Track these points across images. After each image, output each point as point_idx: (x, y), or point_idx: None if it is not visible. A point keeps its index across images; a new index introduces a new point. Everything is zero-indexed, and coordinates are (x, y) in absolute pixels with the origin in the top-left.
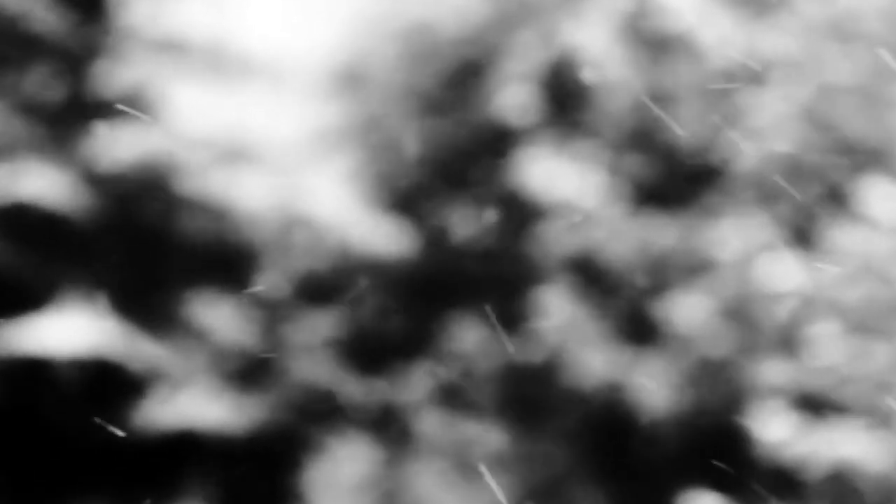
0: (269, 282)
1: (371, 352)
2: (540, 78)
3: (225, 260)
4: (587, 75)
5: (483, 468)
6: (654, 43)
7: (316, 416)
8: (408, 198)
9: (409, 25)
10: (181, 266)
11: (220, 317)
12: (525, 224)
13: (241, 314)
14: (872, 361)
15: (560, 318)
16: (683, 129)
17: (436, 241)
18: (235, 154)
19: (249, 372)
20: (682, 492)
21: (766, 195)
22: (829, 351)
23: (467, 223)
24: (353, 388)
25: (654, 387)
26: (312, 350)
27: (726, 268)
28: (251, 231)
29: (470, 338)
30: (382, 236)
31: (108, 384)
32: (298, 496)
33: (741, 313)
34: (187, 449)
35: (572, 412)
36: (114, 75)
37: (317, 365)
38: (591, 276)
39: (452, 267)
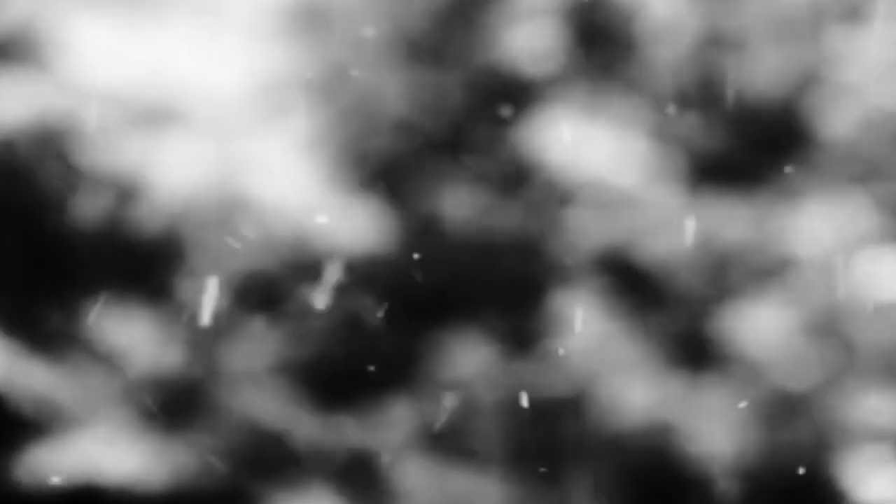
0: (201, 286)
1: (336, 380)
2: (564, 12)
3: (142, 256)
4: (628, 11)
5: None
6: None
7: (262, 464)
8: (386, 174)
9: None
10: (83, 265)
11: (134, 333)
12: (543, 209)
13: (162, 330)
14: None
15: (588, 335)
16: (754, 83)
17: (423, 231)
18: (156, 114)
19: (174, 406)
20: None
21: (864, 172)
22: None
23: (465, 208)
24: (312, 428)
25: (713, 428)
26: (258, 377)
27: (811, 269)
28: (177, 217)
29: (468, 361)
30: (352, 225)
31: None
32: None
33: (831, 330)
34: None
35: (604, 461)
36: None
37: (264, 397)
38: (630, 279)
39: (445, 266)
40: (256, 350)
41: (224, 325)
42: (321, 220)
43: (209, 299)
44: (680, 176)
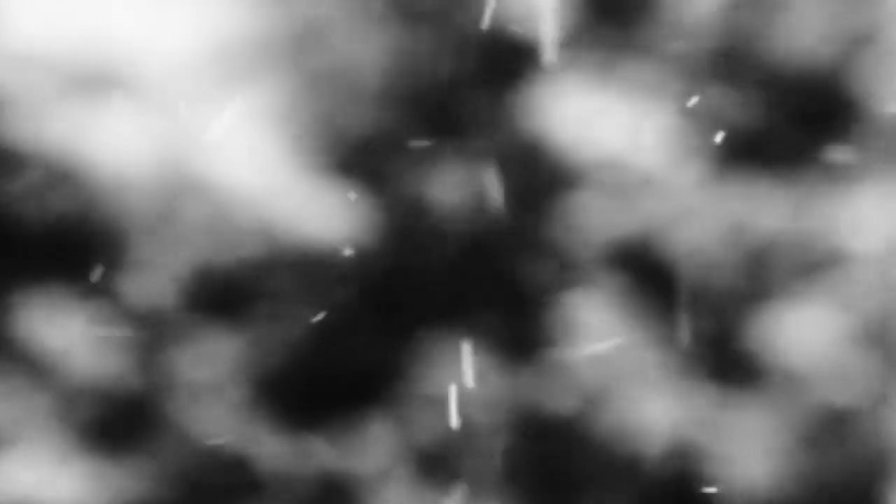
0: (146, 283)
1: (306, 394)
2: None
3: (75, 250)
4: None
5: None
6: None
7: (218, 492)
8: (364, 153)
9: None
10: (6, 256)
11: (67, 338)
12: (547, 195)
13: (100, 334)
14: None
15: (601, 343)
16: (795, 47)
17: (408, 222)
18: (93, 82)
19: (114, 423)
20: None
21: None
22: None
23: (457, 194)
24: (277, 451)
25: (748, 451)
26: (214, 390)
27: (863, 265)
28: (117, 203)
29: (460, 373)
30: (324, 213)
31: None
32: None
33: (886, 337)
34: None
35: (618, 491)
36: None
37: (220, 413)
38: (649, 277)
39: (434, 263)
40: (212, 358)
41: (174, 329)
42: (287, 207)
43: (156, 298)
44: (708, 156)
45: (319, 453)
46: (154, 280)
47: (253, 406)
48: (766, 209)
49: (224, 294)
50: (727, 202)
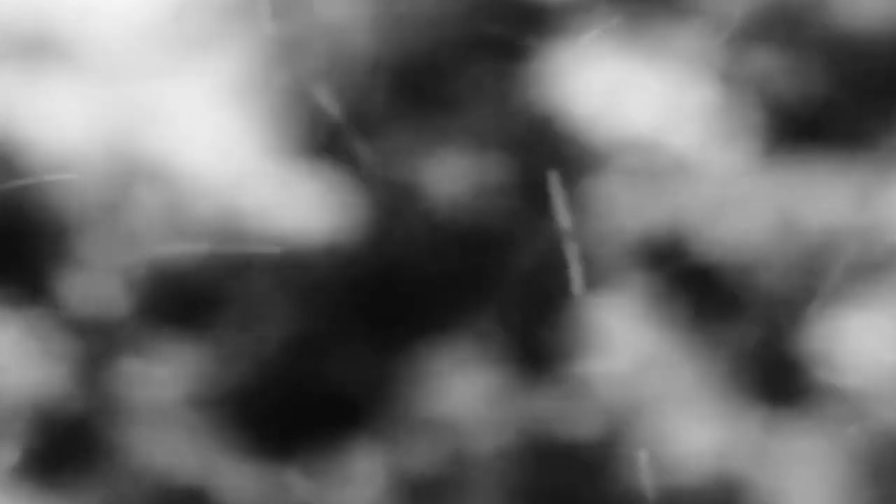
0: (91, 288)
1: (279, 417)
2: None
3: (10, 241)
4: None
5: None
6: None
7: None
8: (346, 132)
9: None
10: None
11: (1, 348)
12: (565, 182)
13: (39, 344)
14: None
15: (629, 354)
16: (861, 5)
17: (401, 213)
18: (29, 48)
19: (53, 451)
20: None
21: None
22: None
23: (457, 180)
24: (245, 483)
25: (803, 483)
26: (171, 413)
27: None
28: (57, 191)
29: (462, 391)
30: (301, 205)
31: None
32: None
33: None
34: None
35: None
36: None
37: (178, 440)
38: (685, 278)
39: (431, 262)
40: (169, 374)
41: (124, 340)
42: (258, 195)
43: (103, 304)
44: (755, 136)
45: (295, 486)
46: (101, 282)
47: (217, 430)
48: (822, 199)
49: (183, 298)
50: (777, 190)
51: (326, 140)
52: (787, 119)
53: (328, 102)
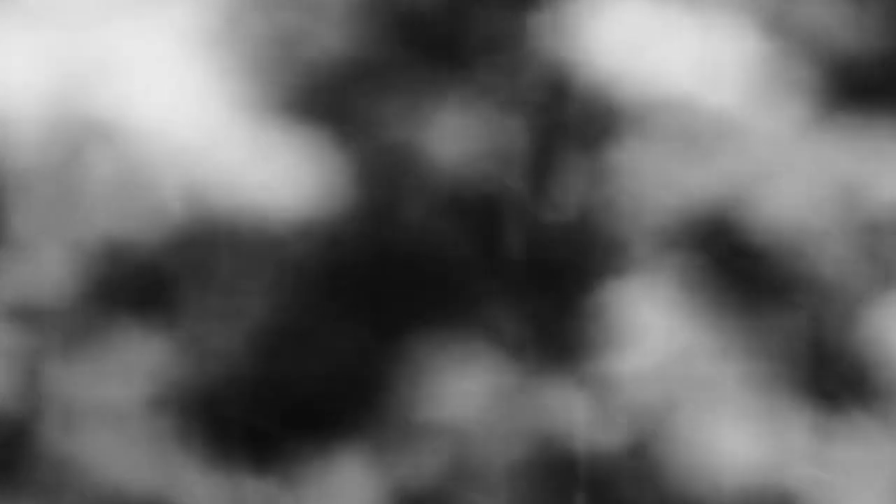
0: (34, 270)
1: (252, 420)
2: None
3: None
4: None
5: None
6: None
7: None
8: (335, 91)
9: None
10: None
11: None
12: (586, 149)
13: None
14: None
15: (661, 349)
16: None
17: (396, 183)
18: None
19: None
20: None
21: None
22: None
23: (463, 147)
24: (212, 495)
25: (858, 493)
26: (125, 414)
27: None
28: (2, 151)
29: (465, 390)
30: (280, 171)
31: None
32: None
33: None
34: None
35: None
36: None
37: (134, 446)
38: (726, 260)
39: (431, 240)
40: (123, 370)
41: (71, 331)
42: (229, 161)
43: (48, 288)
44: (806, 94)
45: (270, 499)
46: (45, 263)
47: (180, 436)
48: (886, 167)
49: (141, 283)
50: (833, 158)
51: (310, 96)
52: (845, 75)
53: (312, 53)
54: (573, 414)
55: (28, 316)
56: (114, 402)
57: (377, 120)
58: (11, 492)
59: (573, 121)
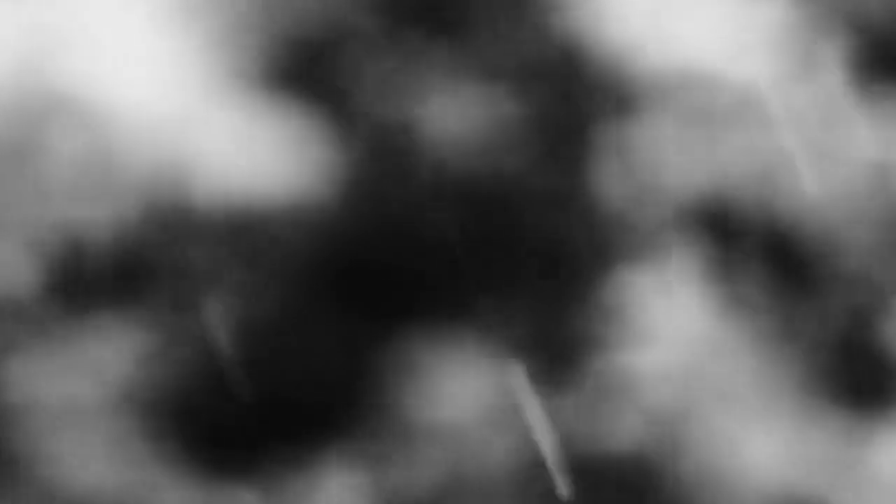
0: None
1: (230, 424)
2: None
3: None
4: None
5: None
6: None
7: None
8: (320, 61)
9: None
10: None
11: None
12: (598, 126)
13: None
14: None
15: (679, 345)
16: None
17: (389, 163)
18: None
19: None
20: None
21: None
22: None
23: (462, 123)
24: (185, 502)
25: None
26: (89, 416)
27: None
28: None
29: (464, 391)
30: (262, 152)
31: None
32: None
33: None
34: None
35: None
36: None
37: (98, 450)
38: (751, 248)
39: (427, 226)
40: (90, 368)
41: (29, 325)
42: (203, 139)
43: (6, 278)
44: (840, 66)
45: None
46: (2, 251)
47: (152, 440)
48: None
49: (108, 273)
50: (870, 135)
51: (295, 69)
52: (881, 46)
53: (296, 19)
54: (582, 415)
55: None
56: (78, 402)
57: (366, 96)
58: None
59: (584, 97)
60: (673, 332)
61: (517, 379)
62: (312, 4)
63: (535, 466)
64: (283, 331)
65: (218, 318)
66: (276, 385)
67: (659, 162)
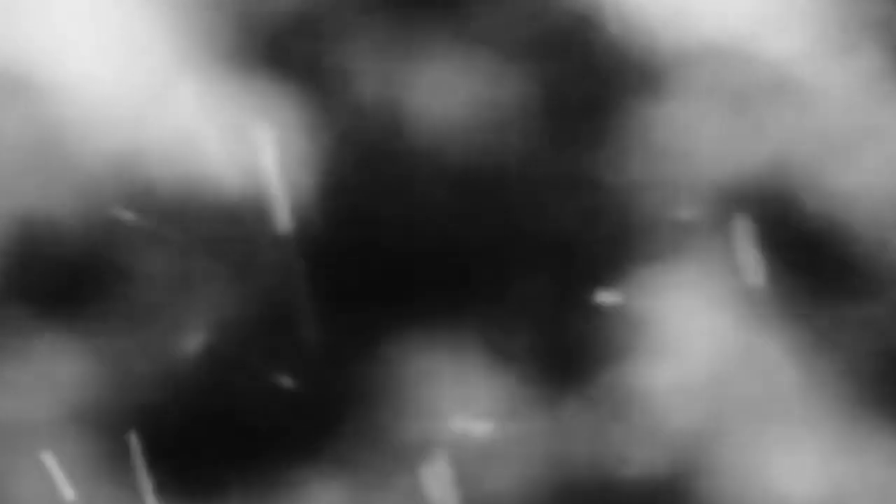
0: None
1: (207, 440)
2: None
3: None
4: None
5: None
6: None
7: None
8: (303, 41)
9: None
10: None
11: None
12: (614, 108)
13: None
14: None
15: (704, 356)
16: None
17: (377, 150)
18: None
19: None
20: None
21: None
22: None
23: (457, 106)
24: None
25: None
26: (52, 430)
27: None
28: None
29: (467, 404)
30: (234, 138)
31: None
32: None
33: None
34: None
35: None
36: None
37: (54, 467)
38: (786, 244)
39: (419, 221)
40: (45, 378)
41: None
42: (175, 127)
43: None
44: (880, 45)
45: None
46: None
47: (114, 457)
48: None
49: (62, 273)
50: None
51: (271, 47)
52: None
53: None
54: (595, 432)
55: None
56: (31, 416)
57: (351, 75)
58: None
59: (598, 75)
60: (698, 342)
61: (522, 391)
62: None
63: (542, 489)
64: (257, 335)
65: (186, 321)
66: (253, 395)
67: (683, 147)
